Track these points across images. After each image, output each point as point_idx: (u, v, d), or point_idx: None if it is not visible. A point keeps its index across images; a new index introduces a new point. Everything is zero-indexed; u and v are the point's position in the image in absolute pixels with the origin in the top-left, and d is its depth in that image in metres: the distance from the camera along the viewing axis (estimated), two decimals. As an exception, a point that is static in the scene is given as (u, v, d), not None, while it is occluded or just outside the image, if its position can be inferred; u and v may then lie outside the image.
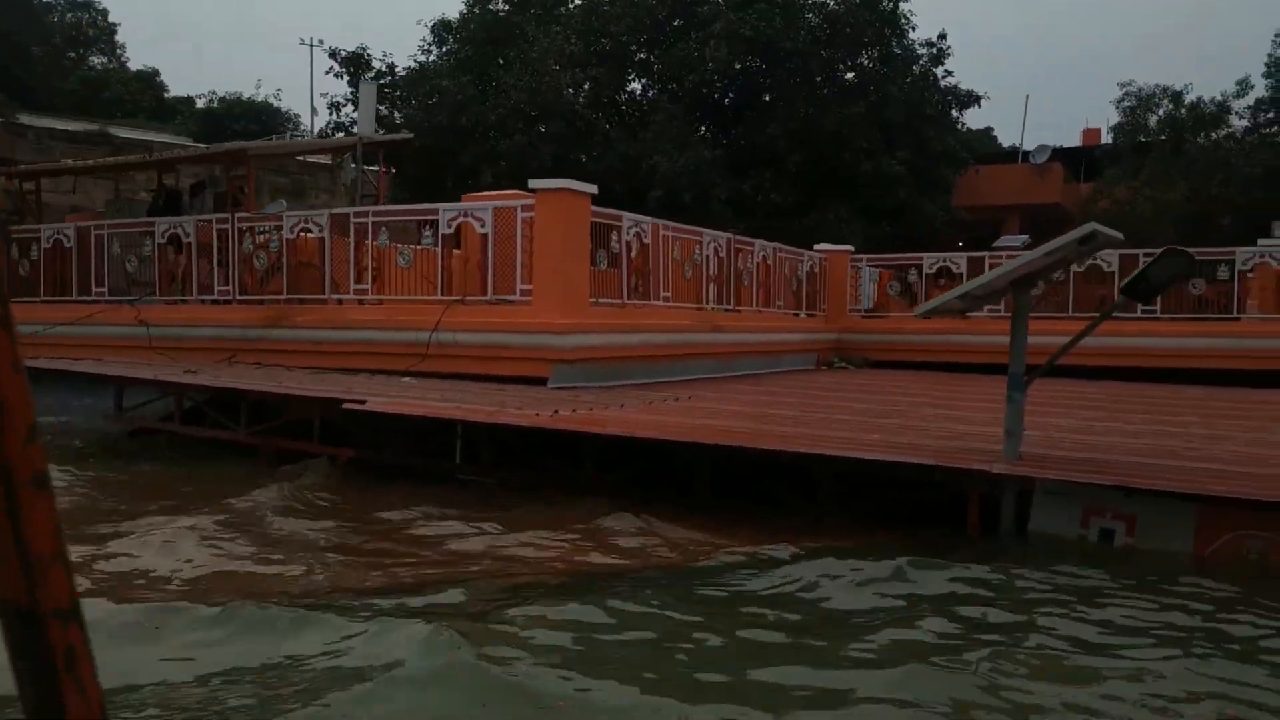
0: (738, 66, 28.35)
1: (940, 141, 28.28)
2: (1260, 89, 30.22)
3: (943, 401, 10.71)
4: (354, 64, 28.85)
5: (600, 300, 10.86)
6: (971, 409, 9.90)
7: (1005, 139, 46.35)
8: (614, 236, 11.05)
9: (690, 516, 7.02)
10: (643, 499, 7.35)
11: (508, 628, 4.46)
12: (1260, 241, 15.06)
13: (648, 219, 11.72)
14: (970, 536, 6.58)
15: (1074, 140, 39.45)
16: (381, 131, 19.98)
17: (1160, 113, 31.57)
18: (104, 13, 44.28)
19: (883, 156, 27.37)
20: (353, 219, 11.52)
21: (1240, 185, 26.89)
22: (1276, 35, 30.16)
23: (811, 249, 16.69)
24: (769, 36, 26.43)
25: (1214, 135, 30.50)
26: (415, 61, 30.54)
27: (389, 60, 29.58)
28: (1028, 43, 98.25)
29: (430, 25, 31.55)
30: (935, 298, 7.26)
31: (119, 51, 45.04)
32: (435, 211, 10.99)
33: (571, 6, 29.80)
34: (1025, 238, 24.47)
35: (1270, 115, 29.95)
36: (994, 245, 22.27)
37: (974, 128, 45.99)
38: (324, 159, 21.04)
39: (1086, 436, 7.99)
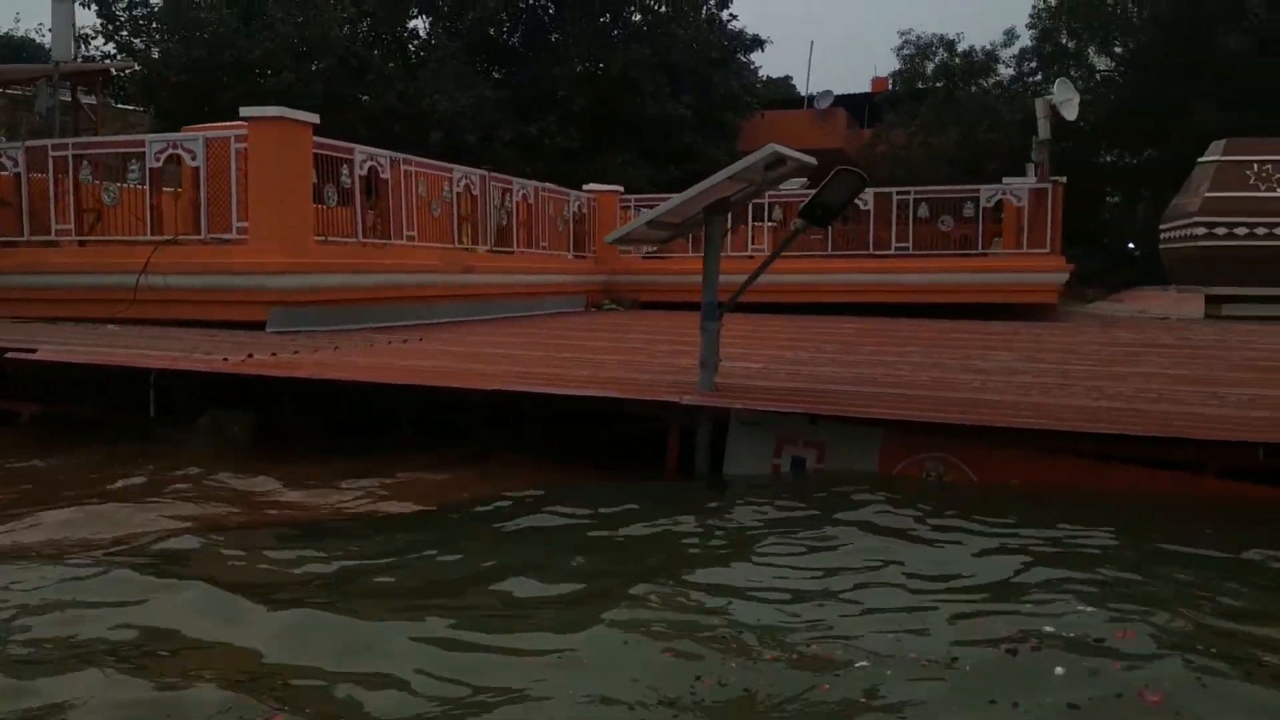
0: (522, 5, 27.65)
1: (724, 86, 28.40)
2: (1025, 39, 31.66)
3: (686, 339, 10.58)
4: (103, -9, 26.53)
5: (330, 239, 10.20)
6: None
7: (831, 85, 47.18)
8: (345, 170, 10.39)
9: (345, 460, 6.52)
10: (336, 448, 6.88)
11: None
12: (1005, 180, 15.65)
13: (385, 152, 11.10)
14: (670, 473, 6.43)
15: (867, 88, 40.51)
16: (105, 60, 18.34)
17: (935, 61, 32.69)
18: None
19: (668, 100, 27.26)
20: (51, 152, 10.43)
21: (1004, 130, 28.12)
22: (1038, -13, 31.52)
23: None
24: (551, -27, 25.81)
25: (983, 83, 31.81)
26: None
27: (146, -12, 27.37)
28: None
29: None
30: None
31: None
32: (141, 144, 10.06)
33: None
34: (804, 180, 24.88)
35: (1033, 64, 31.41)
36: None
37: (774, 76, 46.86)
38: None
39: (802, 368, 7.98)
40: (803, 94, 43.12)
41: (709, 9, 29.43)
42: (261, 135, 9.39)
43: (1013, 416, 5.80)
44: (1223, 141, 15.89)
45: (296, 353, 7.74)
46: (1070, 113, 14.95)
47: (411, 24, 29.38)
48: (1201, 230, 15.15)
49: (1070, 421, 5.66)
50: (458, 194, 12.36)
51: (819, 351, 9.36)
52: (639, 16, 28.50)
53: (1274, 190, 14.92)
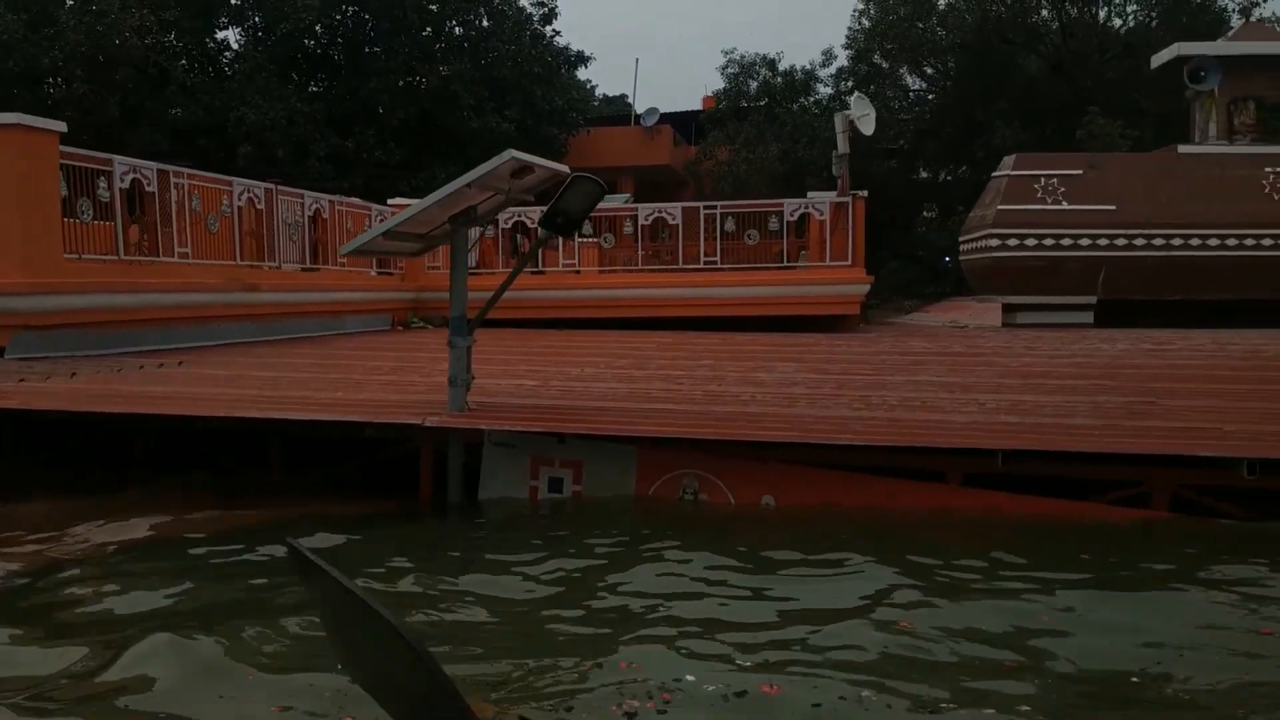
0: (338, 17, 26.83)
1: (548, 100, 28.20)
2: (842, 59, 32.60)
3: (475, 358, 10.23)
4: None
5: (85, 256, 9.45)
6: (494, 362, 9.48)
7: (664, 105, 47.43)
8: (103, 183, 9.65)
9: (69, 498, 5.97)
10: (64, 482, 6.27)
11: None
12: (810, 194, 15.88)
13: (151, 164, 10.38)
14: (423, 499, 6.10)
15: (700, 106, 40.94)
16: None
17: (759, 80, 33.32)
18: None
19: (490, 114, 26.87)
20: None
21: (823, 146, 28.80)
22: (854, 10, 32.54)
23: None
24: (370, -15, 25.15)
25: (804, 101, 32.59)
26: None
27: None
28: (666, 12, 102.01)
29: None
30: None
31: None
32: None
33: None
34: (627, 196, 24.89)
35: (850, 84, 32.34)
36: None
37: (611, 94, 46.97)
38: None
39: (581, 385, 7.76)
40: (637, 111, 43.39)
41: (534, 25, 29.21)
42: (-1, 144, 8.62)
43: (759, 429, 5.68)
44: (1013, 156, 16.56)
45: (23, 380, 7.06)
46: (867, 128, 15.29)
47: (222, 35, 28.19)
48: (995, 242, 15.72)
49: (815, 432, 5.58)
50: (239, 208, 11.69)
51: (610, 368, 9.16)
52: (460, 30, 28.05)
53: (1060, 203, 15.61)
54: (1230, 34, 17.76)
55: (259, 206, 12.08)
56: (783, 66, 33.28)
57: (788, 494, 5.61)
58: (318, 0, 24.81)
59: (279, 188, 12.61)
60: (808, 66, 33.26)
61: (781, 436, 5.52)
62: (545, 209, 5.51)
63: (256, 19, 26.80)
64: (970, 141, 28.63)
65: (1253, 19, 25.36)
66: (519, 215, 15.68)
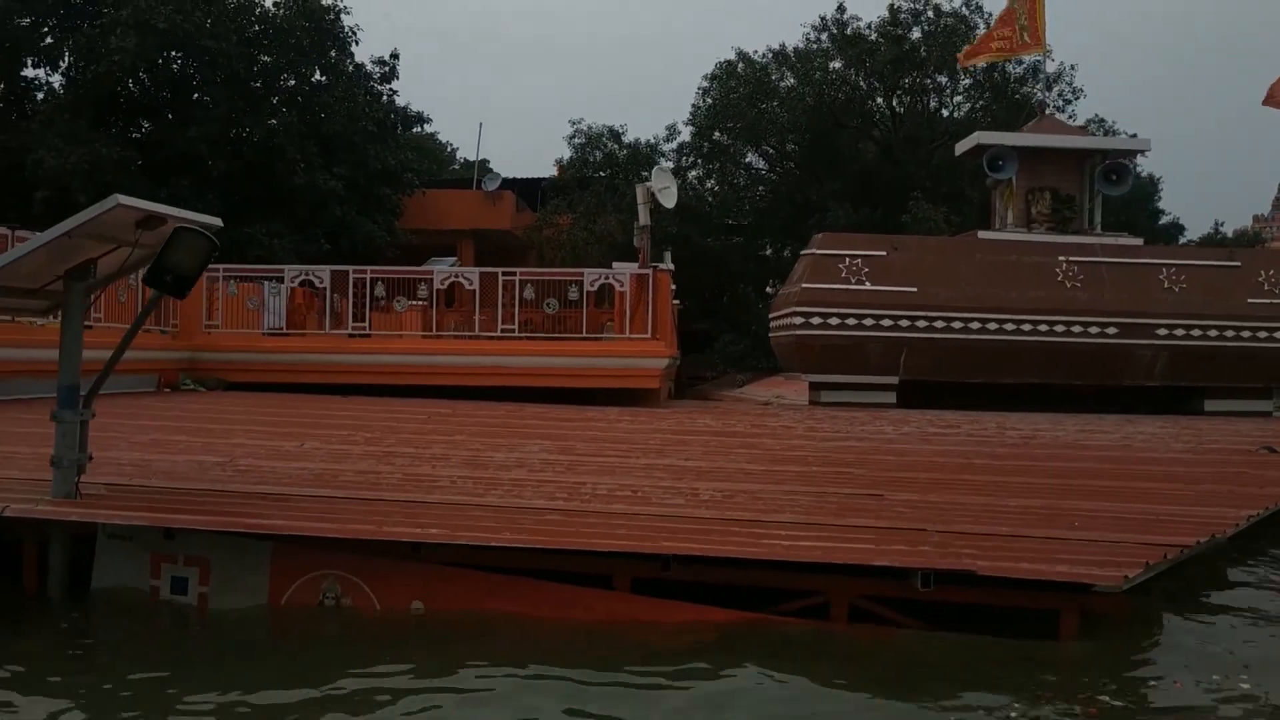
0: (159, 61, 25.60)
1: (380, 160, 27.44)
2: (685, 134, 32.86)
3: (189, 428, 9.32)
4: None
5: None
6: (214, 434, 8.59)
7: (517, 170, 47.11)
8: None
9: None
10: None
11: None
12: (615, 264, 15.49)
13: None
14: (28, 593, 5.22)
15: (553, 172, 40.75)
16: None
17: (604, 150, 33.27)
18: None
19: (319, 171, 25.93)
20: None
21: (659, 218, 28.80)
22: (699, 87, 32.87)
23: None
24: (187, 31, 24.03)
25: (645, 174, 32.60)
26: None
27: None
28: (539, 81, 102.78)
29: None
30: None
31: None
32: None
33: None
34: (454, 259, 24.23)
35: (691, 159, 32.59)
36: (425, 263, 21.69)
37: (470, 158, 46.61)
38: None
39: (265, 463, 6.96)
40: (508, 176, 42.97)
41: (371, 84, 28.51)
42: None
43: (400, 526, 5.00)
44: (820, 235, 16.52)
45: None
46: (668, 200, 15.04)
47: (35, 74, 26.69)
48: (799, 320, 15.56)
49: (465, 531, 4.93)
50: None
51: (337, 442, 8.38)
52: (293, 82, 27.13)
53: (863, 283, 15.57)
54: (1027, 125, 18.28)
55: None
56: (627, 139, 33.37)
57: (439, 598, 4.95)
58: (132, 44, 23.58)
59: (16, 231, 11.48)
60: (652, 140, 33.41)
61: (418, 536, 4.86)
62: (149, 266, 4.77)
63: (68, 60, 25.42)
64: (803, 220, 29.00)
65: (1064, 115, 26.46)
66: (307, 274, 14.82)
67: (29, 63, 26.14)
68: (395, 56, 29.21)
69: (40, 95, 27.05)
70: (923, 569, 4.52)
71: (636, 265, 14.52)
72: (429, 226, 31.28)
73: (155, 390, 13.90)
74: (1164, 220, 46.91)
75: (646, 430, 10.55)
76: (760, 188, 33.75)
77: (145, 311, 5.85)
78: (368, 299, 14.77)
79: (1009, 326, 15.44)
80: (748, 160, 33.61)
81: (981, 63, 22.61)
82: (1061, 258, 15.69)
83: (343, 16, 27.37)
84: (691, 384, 28.63)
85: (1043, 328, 15.41)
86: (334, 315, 15.69)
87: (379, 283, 14.86)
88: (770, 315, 17.37)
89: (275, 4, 26.52)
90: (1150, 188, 46.05)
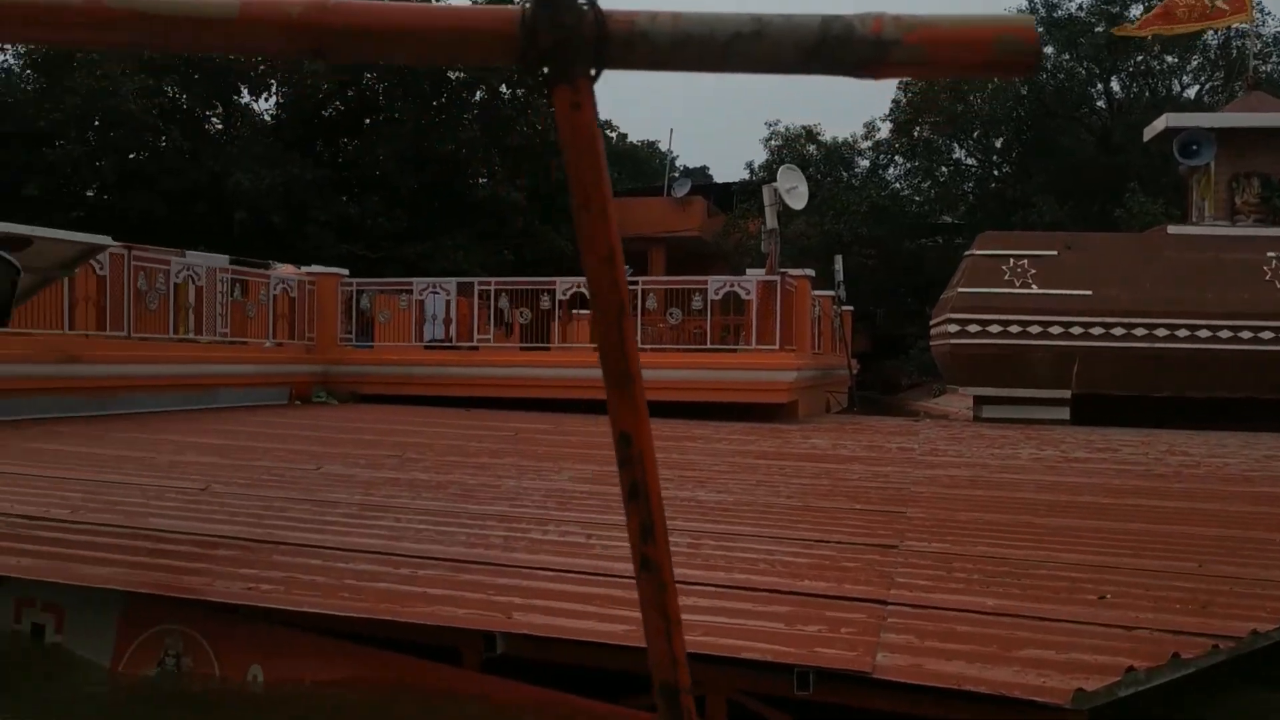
0: (353, 84, 26.66)
1: (562, 170, 27.46)
2: (883, 132, 31.20)
3: (190, 443, 9.16)
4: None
5: None
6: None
7: (720, 176, 47.05)
8: None
9: None
10: None
11: None
12: (748, 271, 14.48)
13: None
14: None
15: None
16: None
17: (803, 152, 32.09)
18: None
19: (502, 183, 26.26)
20: None
21: (849, 220, 27.46)
22: (899, 81, 31.11)
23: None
24: (377, 53, 24.89)
25: (844, 173, 31.24)
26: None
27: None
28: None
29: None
30: None
31: None
32: None
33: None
34: (629, 269, 23.78)
35: (888, 157, 30.90)
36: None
37: (691, 165, 46.89)
38: None
39: (244, 491, 6.56)
40: (687, 179, 42.65)
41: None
42: None
43: (243, 588, 4.36)
44: (984, 234, 14.90)
45: None
46: (796, 201, 13.89)
47: (244, 100, 28.38)
48: (954, 327, 14.03)
49: (296, 594, 4.24)
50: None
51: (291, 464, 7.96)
52: (479, 95, 27.60)
53: (1028, 286, 13.87)
54: (1230, 104, 15.78)
55: (100, 272, 11.33)
56: (824, 138, 32.06)
57: (279, 666, 4.31)
58: (327, 68, 24.59)
59: (134, 250, 11.85)
60: (849, 138, 31.94)
61: (237, 597, 4.22)
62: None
63: (273, 84, 26.84)
64: (1009, 217, 26.80)
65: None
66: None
67: (244, 90, 27.76)
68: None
69: (245, 121, 28.75)
70: (800, 666, 3.45)
71: (763, 271, 13.48)
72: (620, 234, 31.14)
73: (286, 403, 14.12)
74: None
75: (734, 450, 9.60)
76: (967, 184, 31.61)
77: None
78: (492, 310, 14.51)
79: (1203, 333, 13.30)
80: (955, 156, 31.55)
81: (1147, 34, 19.76)
82: (1271, 254, 13.38)
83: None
84: (886, 393, 27.02)
85: (1245, 334, 13.17)
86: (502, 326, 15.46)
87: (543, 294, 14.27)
88: (931, 322, 15.84)
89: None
90: None
